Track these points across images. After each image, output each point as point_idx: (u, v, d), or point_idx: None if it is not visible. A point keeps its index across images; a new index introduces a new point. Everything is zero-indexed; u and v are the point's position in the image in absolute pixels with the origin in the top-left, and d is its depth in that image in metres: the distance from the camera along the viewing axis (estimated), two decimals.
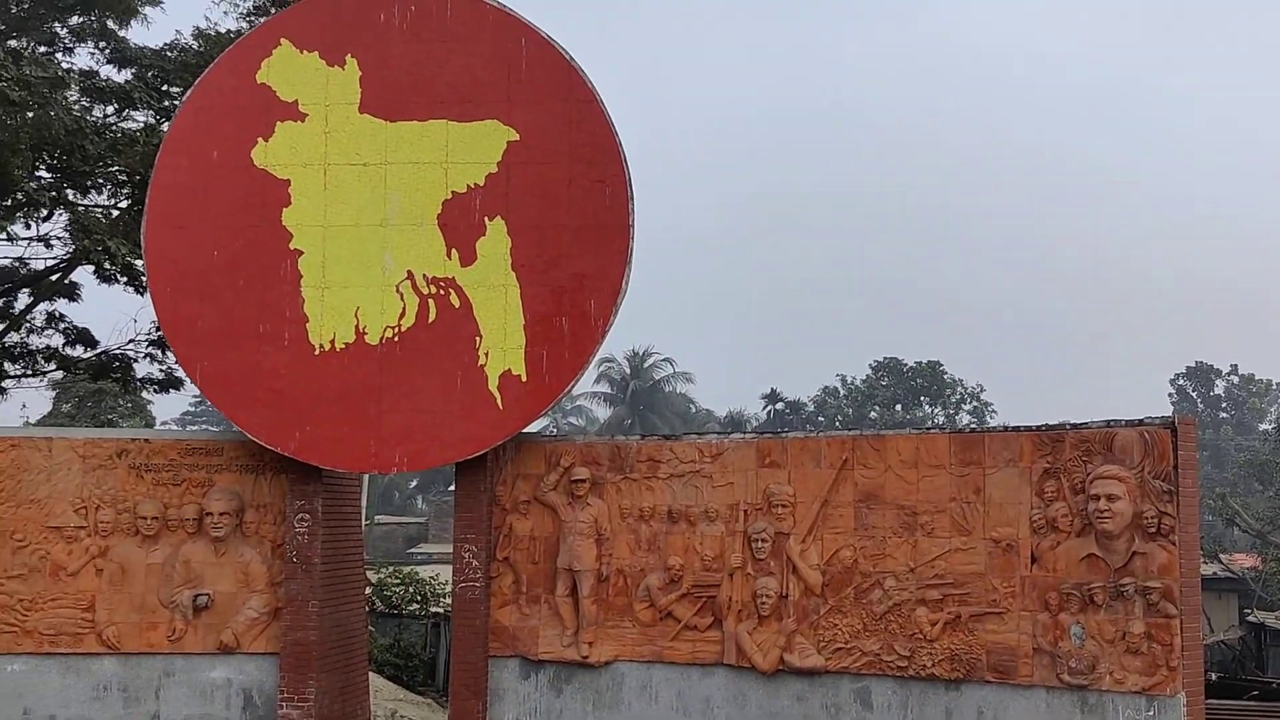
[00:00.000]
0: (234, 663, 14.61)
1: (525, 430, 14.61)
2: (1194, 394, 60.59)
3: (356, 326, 14.54)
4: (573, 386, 14.62)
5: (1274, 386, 60.58)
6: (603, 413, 56.84)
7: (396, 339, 14.48)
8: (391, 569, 27.68)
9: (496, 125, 14.68)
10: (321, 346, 14.54)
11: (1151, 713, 12.16)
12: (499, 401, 14.27)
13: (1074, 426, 12.99)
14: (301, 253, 14.69)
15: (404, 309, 14.54)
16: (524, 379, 14.25)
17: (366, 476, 49.69)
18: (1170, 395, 61.43)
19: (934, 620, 13.15)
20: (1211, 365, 61.44)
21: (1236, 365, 61.28)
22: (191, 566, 14.69)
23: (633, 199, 14.60)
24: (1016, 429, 13.42)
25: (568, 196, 14.50)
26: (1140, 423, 12.74)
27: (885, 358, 56.81)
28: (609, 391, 57.71)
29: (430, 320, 14.48)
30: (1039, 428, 13.24)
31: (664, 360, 57.98)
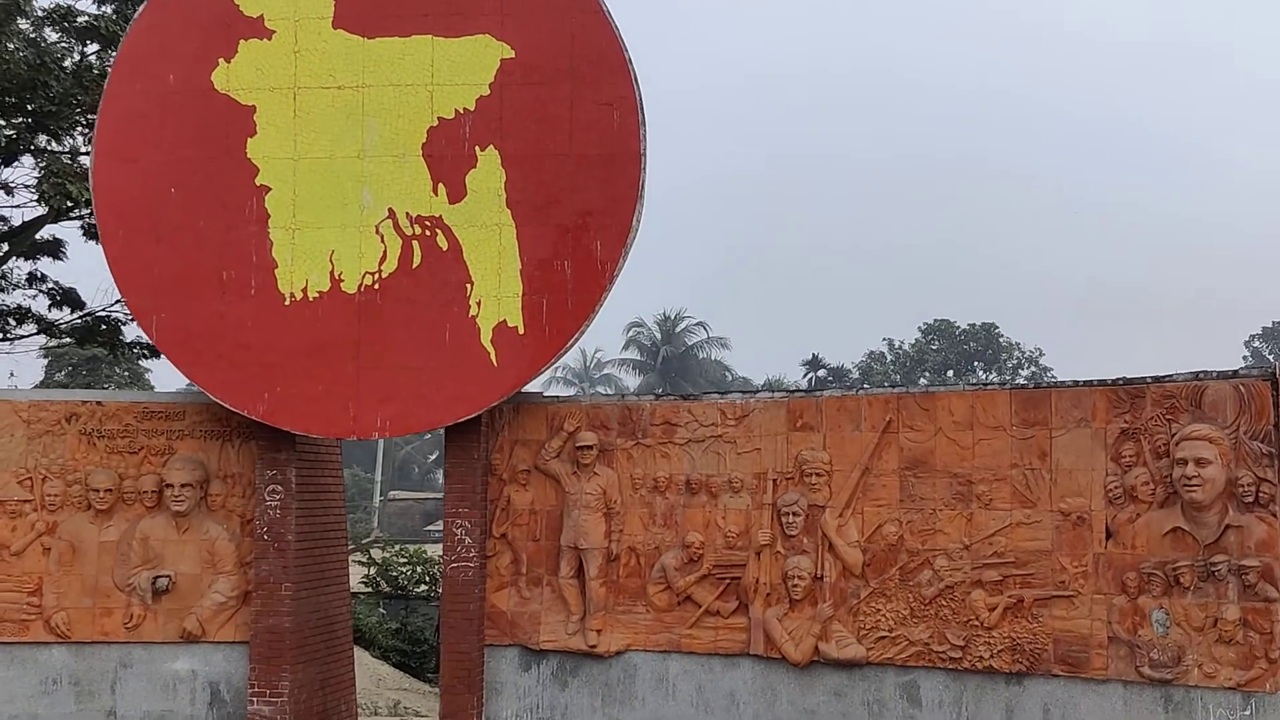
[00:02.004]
0: (199, 653, 13.72)
1: (524, 390, 13.58)
2: (1271, 357, 58.68)
3: (331, 273, 13.52)
4: (577, 339, 13.48)
5: None
6: (632, 381, 55.73)
7: (377, 286, 13.45)
8: (399, 548, 26.63)
9: (488, 41, 13.54)
10: (292, 295, 13.52)
11: (1248, 712, 11.07)
12: (493, 357, 13.23)
13: (1156, 380, 11.82)
14: (269, 189, 13.64)
15: (385, 252, 13.51)
16: (521, 331, 13.21)
17: (380, 444, 48.62)
18: (1244, 359, 59.47)
19: (992, 605, 12.20)
20: None
21: None
22: (150, 545, 13.77)
23: (644, 124, 13.37)
24: (1089, 383, 12.24)
25: (570, 122, 13.35)
26: (1235, 374, 11.53)
27: (936, 320, 55.16)
28: (638, 359, 56.61)
29: (415, 265, 13.45)
30: (1115, 381, 12.09)
31: (697, 324, 56.76)
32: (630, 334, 57.03)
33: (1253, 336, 60.69)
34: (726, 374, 53.88)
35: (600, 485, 13.37)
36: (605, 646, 13.29)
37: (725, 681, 13.13)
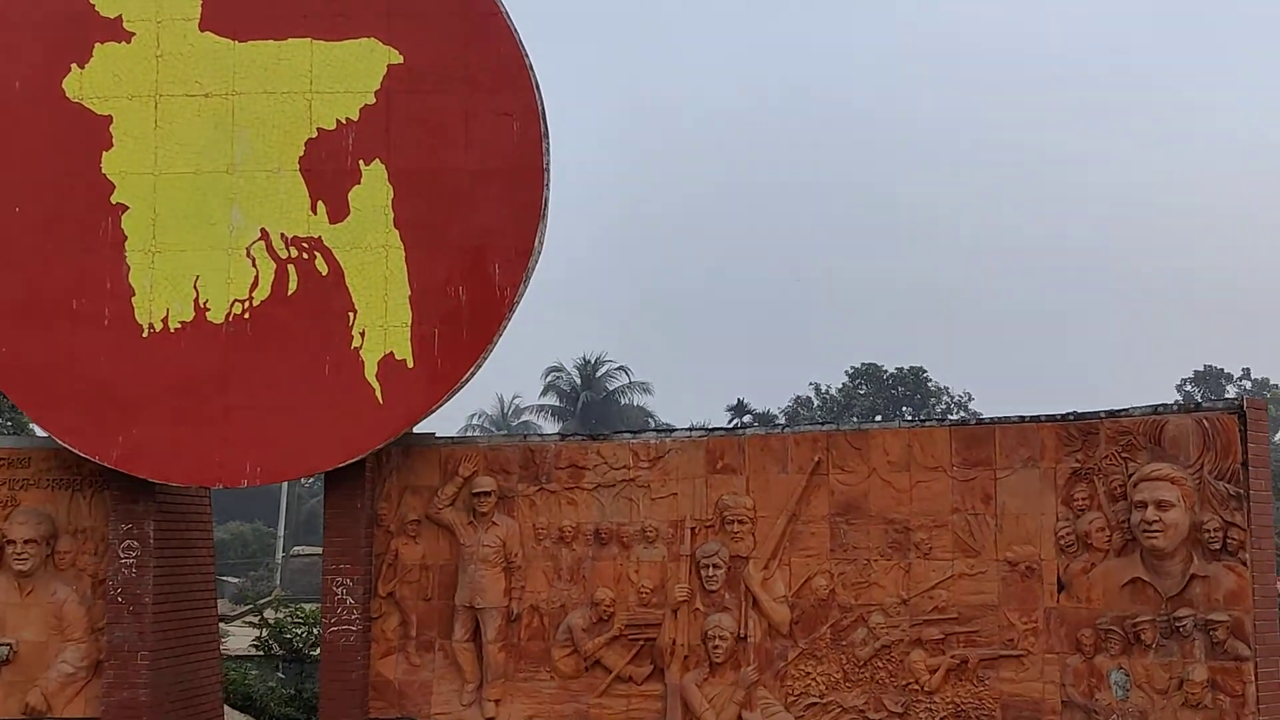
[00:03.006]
0: None
1: (414, 430, 12.49)
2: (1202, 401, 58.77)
3: (196, 300, 12.37)
4: (474, 373, 12.43)
5: None
6: (551, 427, 54.82)
7: (247, 316, 12.34)
8: (294, 607, 25.12)
9: (374, 44, 12.54)
10: (151, 326, 12.35)
11: None
12: (379, 394, 12.15)
13: (1110, 414, 11.19)
14: (126, 208, 12.46)
15: (257, 278, 12.40)
16: (411, 365, 12.15)
17: (284, 495, 46.88)
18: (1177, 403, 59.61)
19: (933, 666, 11.50)
20: (1222, 369, 59.80)
21: (1249, 369, 59.68)
22: None
23: (548, 136, 12.39)
24: (1036, 419, 11.59)
25: (465, 134, 12.39)
26: (1198, 408, 10.93)
27: (864, 364, 54.80)
28: (557, 404, 55.79)
29: (290, 292, 12.36)
30: (1065, 416, 11.47)
31: (618, 369, 56.35)
32: (549, 379, 56.41)
33: (1184, 380, 60.92)
34: (649, 420, 52.93)
35: (499, 536, 12.33)
36: (505, 718, 12.29)
37: None
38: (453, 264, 12.30)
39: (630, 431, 13.24)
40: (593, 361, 56.09)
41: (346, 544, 12.38)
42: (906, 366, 55.04)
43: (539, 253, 12.40)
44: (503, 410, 57.55)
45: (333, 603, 12.34)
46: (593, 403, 53.78)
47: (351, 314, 12.31)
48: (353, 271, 12.35)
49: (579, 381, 55.70)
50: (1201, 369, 60.33)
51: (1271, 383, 56.04)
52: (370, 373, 12.18)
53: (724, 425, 14.08)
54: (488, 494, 12.36)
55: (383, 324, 12.26)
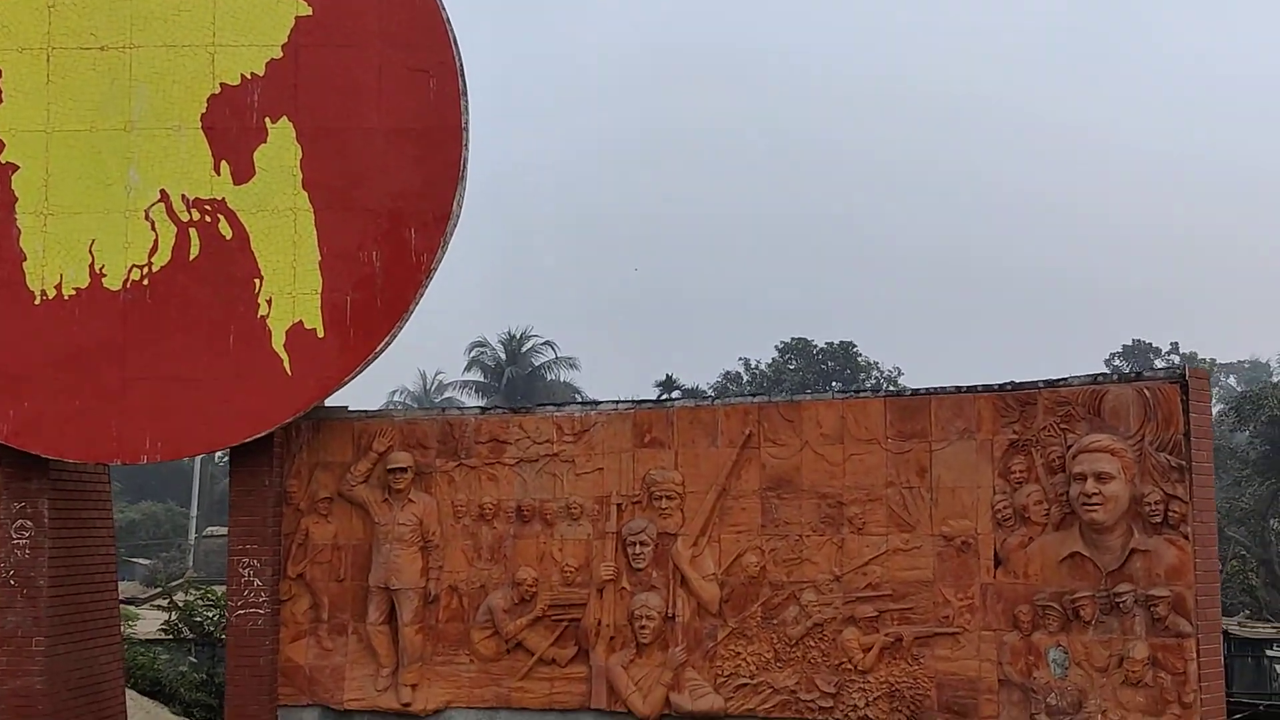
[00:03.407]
0: None
1: (325, 404, 12.02)
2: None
3: (92, 266, 11.77)
4: (388, 343, 11.93)
5: (1217, 365, 59.62)
6: (474, 403, 54.02)
7: (146, 283, 11.75)
8: (205, 589, 24.43)
9: None
10: (44, 294, 11.73)
11: None
12: (287, 365, 11.66)
13: (1049, 384, 10.91)
14: (16, 167, 11.81)
15: (156, 242, 11.81)
16: (321, 334, 11.67)
17: (196, 473, 45.76)
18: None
19: (867, 645, 11.20)
20: (1150, 344, 60.14)
21: (1178, 343, 60.02)
22: None
23: (466, 94, 11.94)
24: (972, 389, 11.25)
25: (378, 91, 11.85)
26: (1138, 377, 10.71)
27: (793, 338, 54.08)
28: (482, 380, 54.66)
29: (192, 257, 11.79)
30: (1002, 387, 11.16)
31: (545, 344, 55.10)
32: (473, 354, 55.17)
33: (1113, 354, 61.26)
34: (577, 396, 52.13)
35: (416, 514, 11.93)
36: (421, 704, 11.92)
37: None
38: (366, 228, 11.80)
39: (554, 404, 12.69)
40: (518, 336, 54.90)
41: (253, 523, 11.90)
42: (837, 341, 54.45)
43: (457, 217, 11.94)
44: (425, 386, 56.59)
45: (239, 585, 11.88)
46: (518, 378, 52.80)
47: (257, 280, 11.79)
48: (259, 235, 11.81)
49: (504, 357, 54.54)
50: (1130, 343, 60.65)
51: (1199, 357, 56.41)
52: (278, 342, 11.68)
53: (652, 398, 13.63)
54: (403, 470, 11.93)
55: (291, 291, 11.75)
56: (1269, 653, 22.58)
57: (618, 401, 12.14)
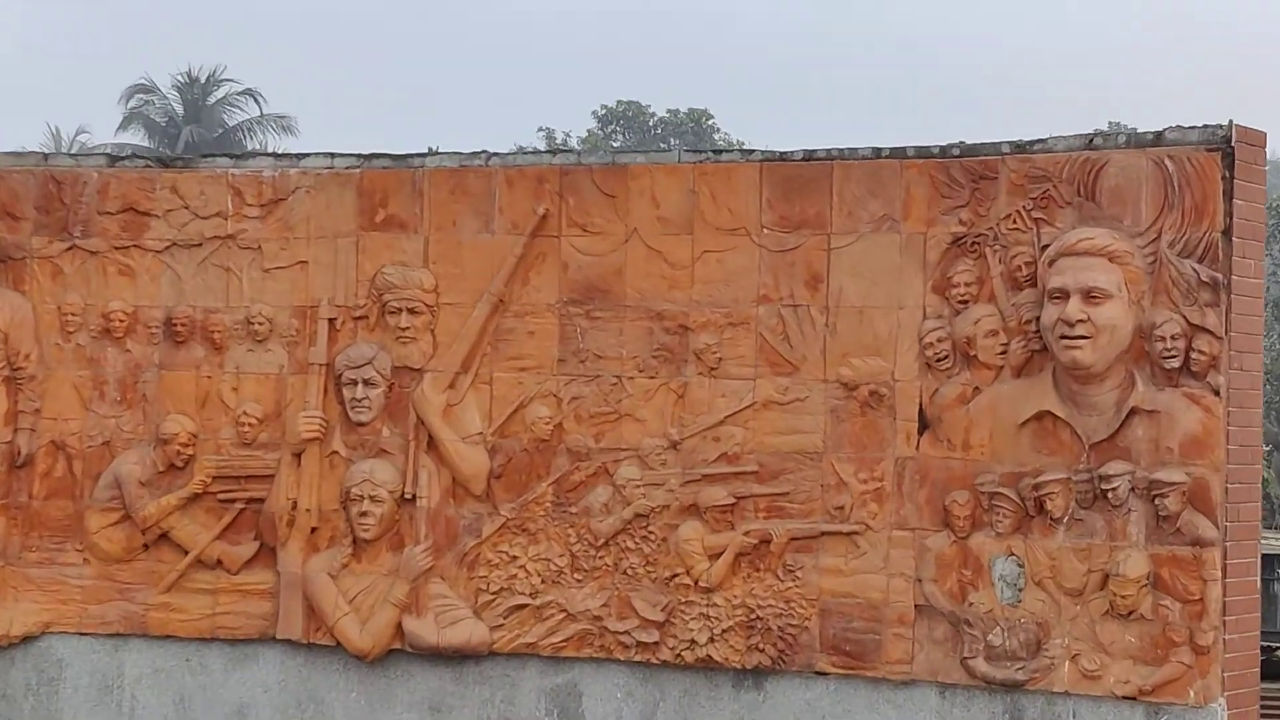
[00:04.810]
0: None
1: None
2: None
3: None
4: None
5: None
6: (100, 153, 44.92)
7: None
8: None
9: None
10: None
11: None
12: None
13: (1018, 148, 8.36)
14: None
15: None
16: None
17: None
18: None
19: (715, 549, 8.81)
20: (1135, 129, 58.46)
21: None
22: None
23: None
24: (900, 153, 8.62)
25: None
26: (1157, 139, 8.00)
27: (619, 102, 44.28)
28: (145, 144, 41.89)
29: None
30: (946, 151, 8.54)
31: (242, 94, 43.53)
32: (132, 104, 43.01)
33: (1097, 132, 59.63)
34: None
35: None
36: (2, 628, 9.38)
37: (231, 689, 9.44)
38: None
39: (230, 156, 9.90)
40: (203, 80, 43.25)
41: None
42: (684, 108, 44.80)
43: None
44: (58, 148, 40.13)
45: None
46: (202, 141, 40.99)
47: None
48: None
49: (180, 111, 43.04)
50: (1107, 127, 58.03)
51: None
52: None
53: (391, 153, 9.89)
54: None
55: None
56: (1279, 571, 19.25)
57: (333, 155, 9.20)
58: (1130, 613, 7.97)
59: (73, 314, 9.22)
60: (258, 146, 38.89)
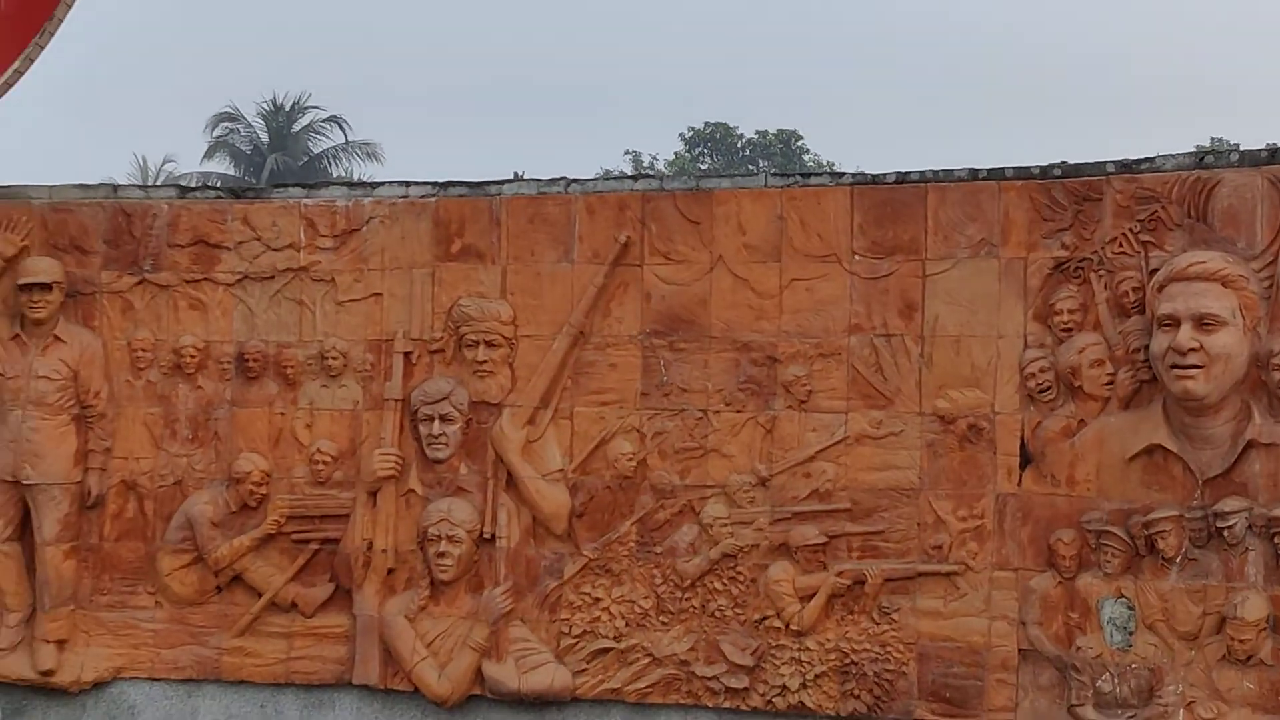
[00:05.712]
0: None
1: None
2: None
3: None
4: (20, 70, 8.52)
5: None
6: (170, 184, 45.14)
7: None
8: None
9: None
10: None
11: None
12: None
13: (1124, 168, 8.04)
14: None
15: None
16: None
17: None
18: None
19: (807, 590, 8.56)
20: (1237, 145, 58.28)
21: (1278, 145, 59.13)
22: None
23: None
24: (997, 174, 8.27)
25: None
26: (1274, 155, 7.74)
27: (707, 124, 43.57)
28: (231, 172, 41.70)
29: None
30: (1047, 171, 8.20)
31: (327, 120, 43.03)
32: (218, 132, 42.57)
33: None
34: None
35: (67, 361, 9.06)
36: (74, 673, 9.11)
37: None
38: None
39: (303, 186, 9.54)
40: (288, 108, 43.09)
41: None
42: (773, 130, 44.00)
43: None
44: (145, 178, 40.66)
45: None
46: (287, 170, 40.52)
47: None
48: None
49: (266, 139, 42.74)
50: (1210, 143, 56.93)
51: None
52: None
53: (466, 180, 9.76)
54: (46, 287, 9.00)
55: None
56: None
57: (408, 183, 8.89)
58: (1249, 657, 7.70)
59: (143, 350, 9.05)
60: (343, 174, 38.74)
